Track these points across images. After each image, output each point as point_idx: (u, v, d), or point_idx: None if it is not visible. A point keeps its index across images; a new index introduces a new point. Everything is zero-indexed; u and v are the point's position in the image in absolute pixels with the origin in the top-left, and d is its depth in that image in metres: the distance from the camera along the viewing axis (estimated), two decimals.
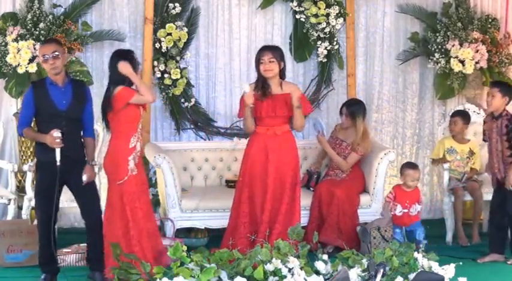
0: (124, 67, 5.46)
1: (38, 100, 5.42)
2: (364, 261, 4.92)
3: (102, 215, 5.59)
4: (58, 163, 5.30)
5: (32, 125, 5.56)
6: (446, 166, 7.06)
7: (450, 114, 7.38)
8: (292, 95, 6.10)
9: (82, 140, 5.58)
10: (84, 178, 5.43)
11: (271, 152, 6.06)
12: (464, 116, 7.25)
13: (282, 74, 6.15)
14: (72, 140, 5.42)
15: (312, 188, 6.90)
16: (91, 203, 5.54)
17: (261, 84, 6.09)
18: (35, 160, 5.65)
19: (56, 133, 5.27)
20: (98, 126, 7.01)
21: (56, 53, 5.39)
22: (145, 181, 5.81)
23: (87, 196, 5.52)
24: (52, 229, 5.45)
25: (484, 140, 6.62)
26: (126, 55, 5.58)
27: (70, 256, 5.91)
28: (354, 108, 6.91)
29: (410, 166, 6.77)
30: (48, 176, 5.39)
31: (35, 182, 5.63)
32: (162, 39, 7.24)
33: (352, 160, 6.84)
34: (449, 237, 6.98)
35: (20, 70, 6.76)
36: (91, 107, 5.58)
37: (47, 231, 5.42)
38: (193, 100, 7.48)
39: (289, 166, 6.13)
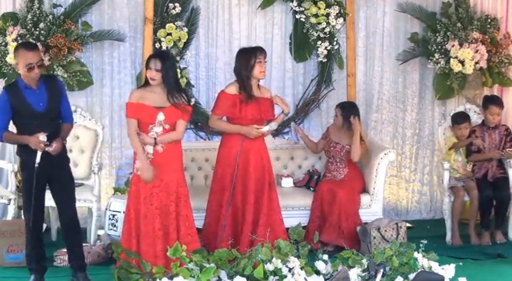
0: None
1: (14, 104, 5.28)
2: (364, 261, 4.91)
3: None
4: (36, 165, 5.19)
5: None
6: (446, 165, 7.05)
7: (452, 119, 7.27)
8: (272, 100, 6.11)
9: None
10: (52, 147, 5.22)
11: (252, 154, 6.03)
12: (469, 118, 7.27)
13: None
14: (54, 139, 5.30)
15: (312, 188, 6.91)
16: (66, 202, 5.45)
17: (246, 86, 5.97)
18: (19, 160, 5.51)
19: (43, 137, 5.19)
20: (98, 126, 7.03)
21: (41, 61, 5.33)
22: (155, 184, 5.55)
23: (63, 195, 5.45)
24: (40, 229, 5.42)
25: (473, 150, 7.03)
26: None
27: None
28: (347, 109, 6.92)
29: None
30: (31, 177, 5.25)
31: (20, 183, 5.54)
32: (162, 39, 7.24)
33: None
34: (449, 237, 6.97)
35: None
36: (66, 99, 5.48)
37: (35, 232, 5.35)
38: (193, 100, 7.46)
39: (267, 167, 6.12)
